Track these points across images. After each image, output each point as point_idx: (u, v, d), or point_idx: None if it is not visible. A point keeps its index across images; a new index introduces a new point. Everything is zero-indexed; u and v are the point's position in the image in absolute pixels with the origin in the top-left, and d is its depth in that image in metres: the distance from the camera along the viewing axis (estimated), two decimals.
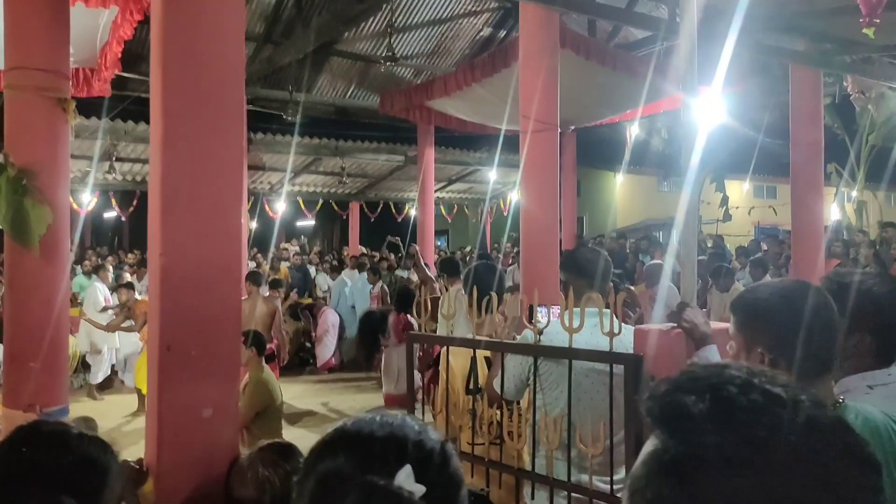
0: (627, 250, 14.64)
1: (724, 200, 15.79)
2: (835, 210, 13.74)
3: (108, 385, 9.93)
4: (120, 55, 5.65)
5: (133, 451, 2.52)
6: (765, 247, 13.44)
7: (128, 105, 9.17)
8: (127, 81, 8.08)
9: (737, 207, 17.34)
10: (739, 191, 19.89)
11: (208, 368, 2.34)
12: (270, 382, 5.10)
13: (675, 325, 2.32)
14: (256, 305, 7.96)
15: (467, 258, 13.81)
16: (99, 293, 9.64)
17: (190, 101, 2.42)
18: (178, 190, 2.38)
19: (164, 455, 2.31)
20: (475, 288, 2.84)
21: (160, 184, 2.37)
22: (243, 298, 8.33)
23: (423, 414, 3.45)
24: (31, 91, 3.56)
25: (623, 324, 2.55)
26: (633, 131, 13.15)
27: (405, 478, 0.84)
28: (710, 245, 13.71)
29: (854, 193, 14.05)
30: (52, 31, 3.68)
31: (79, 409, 7.05)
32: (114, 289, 9.77)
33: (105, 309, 9.38)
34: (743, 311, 1.67)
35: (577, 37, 8.19)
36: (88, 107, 8.69)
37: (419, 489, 0.83)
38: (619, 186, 19.75)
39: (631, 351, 2.40)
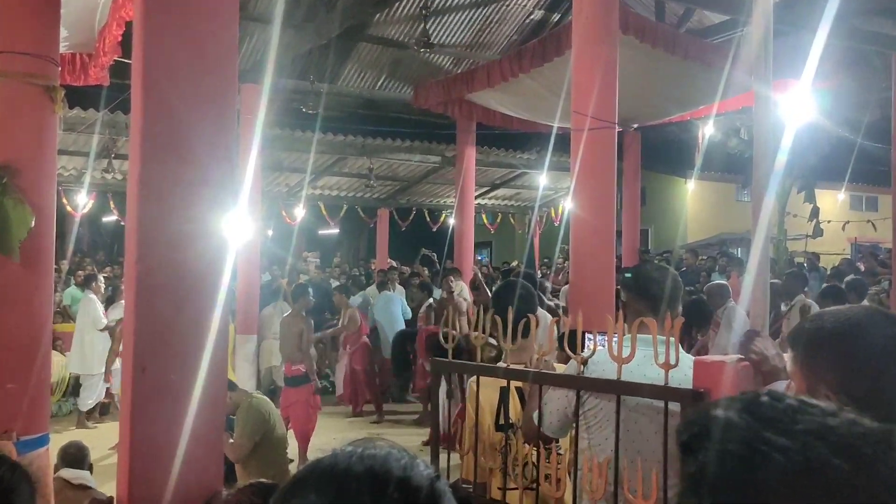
0: (699, 267, 14.45)
1: (815, 212, 15.49)
2: None
3: (105, 411, 10.07)
4: (120, 39, 5.76)
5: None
6: (862, 267, 13.13)
7: (129, 95, 9.35)
8: (128, 68, 8.24)
9: (829, 221, 17.00)
10: (833, 202, 19.46)
11: (190, 394, 2.34)
12: (263, 407, 5.13)
13: (743, 356, 2.25)
14: (292, 322, 8.32)
15: (512, 275, 13.77)
16: (98, 308, 9.82)
17: (173, 86, 2.45)
18: (158, 188, 2.39)
19: (136, 492, 2.30)
20: (506, 309, 2.81)
21: (137, 192, 2.39)
22: (285, 315, 8.71)
23: (449, 456, 3.41)
24: (15, 78, 3.64)
25: (685, 355, 2.49)
26: (707, 131, 12.99)
27: None
28: (800, 261, 13.44)
29: None
30: (39, 11, 3.77)
31: (68, 437, 7.17)
32: (108, 303, 9.95)
33: (106, 328, 9.53)
34: (803, 344, 1.59)
35: (642, 21, 8.14)
36: (85, 97, 8.91)
37: None
38: (690, 194, 19.52)
39: (690, 385, 2.34)
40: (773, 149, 2.66)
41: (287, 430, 7.99)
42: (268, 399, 5.44)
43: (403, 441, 8.88)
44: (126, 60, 6.47)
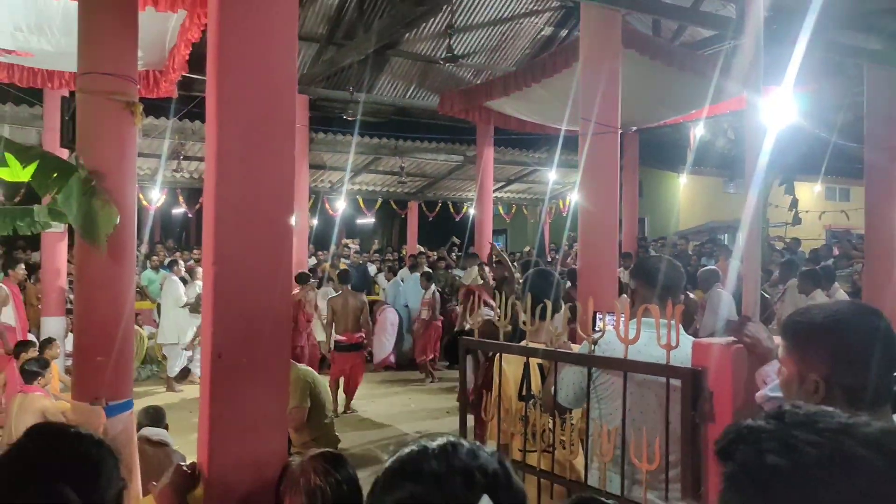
0: (690, 253, 14.31)
1: (794, 203, 15.24)
2: None
3: (184, 376, 10.21)
4: (188, 57, 5.80)
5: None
6: (837, 251, 12.94)
7: (194, 105, 9.43)
8: (193, 82, 8.30)
9: (807, 211, 16.72)
10: (810, 193, 19.12)
11: (258, 377, 2.37)
12: (308, 375, 5.12)
13: (736, 339, 2.23)
14: (348, 301, 8.81)
15: (525, 258, 13.75)
16: (179, 288, 9.95)
17: (243, 115, 2.44)
18: (230, 201, 2.41)
19: (215, 461, 2.34)
20: (530, 295, 2.81)
21: (214, 195, 2.41)
22: (336, 294, 9.01)
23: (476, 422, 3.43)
24: (100, 95, 3.68)
25: (685, 336, 2.47)
26: (698, 132, 12.83)
27: None
28: (779, 248, 13.26)
29: None
30: (121, 36, 3.80)
31: (158, 399, 7.30)
32: (187, 282, 10.10)
33: (186, 304, 9.70)
34: (794, 335, 1.56)
35: (642, 36, 8.03)
36: (157, 107, 8.99)
37: None
38: (682, 188, 19.28)
39: (688, 365, 2.32)
40: (762, 148, 2.63)
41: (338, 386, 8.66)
42: (309, 368, 5.43)
43: (426, 405, 8.95)
44: (192, 76, 6.54)
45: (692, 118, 11.43)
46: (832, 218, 18.72)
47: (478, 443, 0.96)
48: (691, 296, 7.97)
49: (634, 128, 11.90)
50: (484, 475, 0.89)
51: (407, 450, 0.94)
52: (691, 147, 13.27)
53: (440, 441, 0.93)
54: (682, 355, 2.36)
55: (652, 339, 2.41)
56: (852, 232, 16.86)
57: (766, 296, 8.01)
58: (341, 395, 8.71)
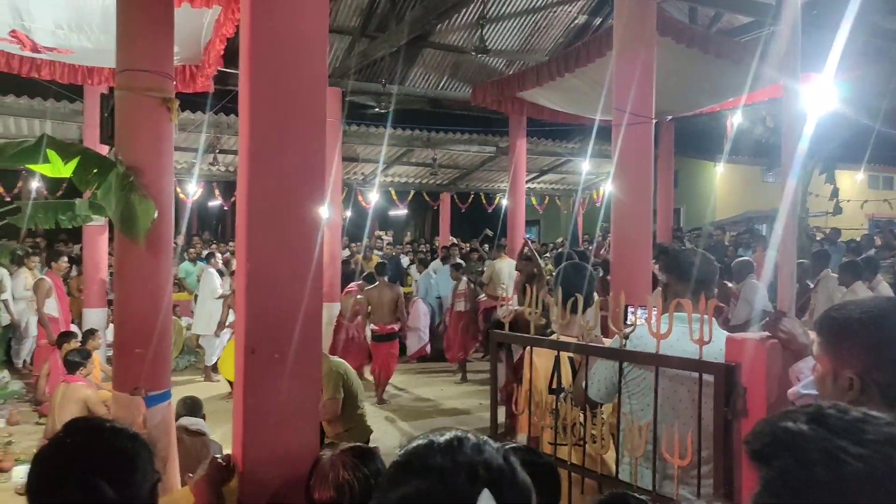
0: (727, 243, 14.09)
1: (835, 192, 14.89)
2: None
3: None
4: (223, 52, 5.87)
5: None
6: (879, 241, 12.63)
7: (229, 99, 9.53)
8: (228, 76, 8.38)
9: (848, 200, 16.32)
10: (852, 182, 18.66)
11: (290, 371, 2.40)
12: (340, 367, 5.16)
13: (771, 334, 2.20)
14: (383, 292, 9.12)
15: (558, 249, 13.67)
16: (216, 280, 10.12)
17: (275, 110, 2.47)
18: (262, 198, 2.44)
19: (249, 454, 2.38)
20: (562, 288, 2.80)
21: (246, 193, 2.44)
22: (373, 286, 9.19)
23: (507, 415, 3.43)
24: (138, 92, 3.75)
25: (719, 330, 2.44)
26: (736, 120, 12.59)
27: (486, 503, 0.85)
28: (818, 238, 12.98)
29: None
30: (158, 33, 3.86)
31: (192, 389, 7.45)
32: (224, 274, 10.27)
33: (222, 296, 9.86)
34: (829, 331, 1.54)
35: (678, 24, 7.89)
36: (193, 101, 9.12)
37: None
38: (719, 177, 18.96)
39: (722, 360, 2.30)
40: (802, 135, 2.57)
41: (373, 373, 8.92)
42: (341, 359, 5.48)
43: (454, 392, 8.99)
44: (227, 70, 6.62)
45: (729, 106, 11.22)
46: (875, 207, 18.26)
47: (485, 437, 0.95)
48: (728, 284, 7.87)
49: (670, 116, 11.73)
50: (488, 470, 0.88)
51: (413, 444, 0.94)
52: (728, 136, 13.04)
53: (447, 436, 0.93)
54: (715, 350, 2.34)
55: (684, 333, 2.39)
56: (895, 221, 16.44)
57: (808, 284, 7.86)
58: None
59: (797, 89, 2.61)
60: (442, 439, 0.92)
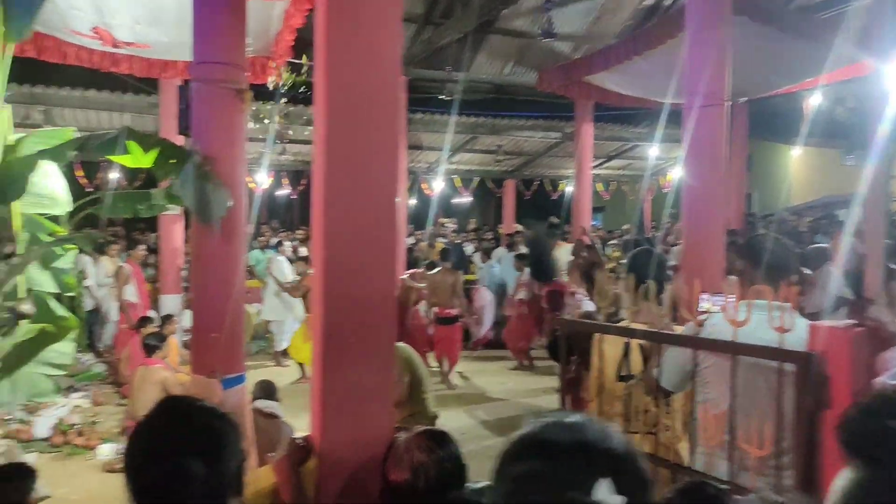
0: (803, 229, 13.58)
1: None
2: None
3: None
4: (292, 43, 5.98)
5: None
6: None
7: (300, 90, 9.68)
8: (298, 68, 8.54)
9: None
10: None
11: (366, 355, 2.45)
12: (405, 352, 5.20)
13: (857, 322, 2.11)
14: (444, 277, 9.40)
15: (624, 236, 13.43)
16: (285, 267, 10.37)
17: (351, 102, 2.49)
18: (340, 186, 2.48)
19: (327, 435, 2.44)
20: (633, 275, 2.76)
21: (324, 181, 2.48)
22: (436, 271, 9.41)
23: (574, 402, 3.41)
24: (213, 83, 3.86)
25: (800, 318, 2.36)
26: (814, 101, 12.07)
27: (605, 491, 0.84)
28: None
29: None
30: (231, 26, 3.96)
31: (263, 374, 7.68)
32: (293, 261, 10.51)
33: (287, 284, 10.11)
34: None
35: (754, 1, 7.60)
36: (262, 92, 9.30)
37: (619, 500, 0.83)
38: (795, 160, 18.22)
39: (802, 348, 2.22)
40: (887, 117, 2.45)
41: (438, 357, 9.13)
42: (406, 344, 5.53)
43: (524, 386, 8.96)
44: (296, 61, 6.74)
45: (808, 86, 10.76)
46: None
47: (611, 426, 0.94)
48: (807, 272, 7.58)
49: (744, 98, 11.34)
50: (611, 458, 0.87)
51: (540, 423, 0.93)
52: (806, 118, 12.52)
53: (573, 418, 0.92)
54: (795, 339, 2.26)
55: (762, 321, 2.32)
56: None
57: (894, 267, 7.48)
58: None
59: (882, 68, 2.49)
60: (568, 420, 0.91)
